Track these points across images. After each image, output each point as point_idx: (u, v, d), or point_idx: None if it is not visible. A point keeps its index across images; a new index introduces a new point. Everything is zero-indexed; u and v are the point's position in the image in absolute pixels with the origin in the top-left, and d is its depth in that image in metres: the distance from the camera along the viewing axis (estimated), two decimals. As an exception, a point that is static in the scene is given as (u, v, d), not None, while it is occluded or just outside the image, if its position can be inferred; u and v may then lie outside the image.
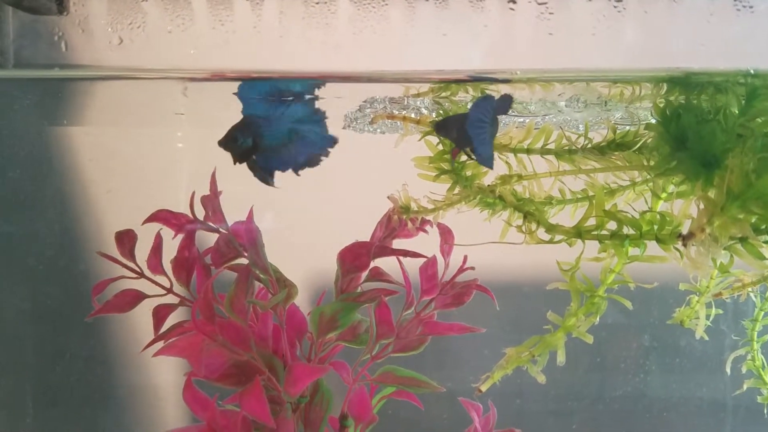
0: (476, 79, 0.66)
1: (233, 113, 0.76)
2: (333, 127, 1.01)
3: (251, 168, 0.77)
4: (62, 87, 0.99)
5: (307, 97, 0.78)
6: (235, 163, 0.76)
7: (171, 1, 0.57)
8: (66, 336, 1.17)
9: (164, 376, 1.20)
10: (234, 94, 0.73)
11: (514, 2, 0.57)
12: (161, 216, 0.77)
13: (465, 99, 0.72)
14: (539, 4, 0.57)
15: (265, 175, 0.78)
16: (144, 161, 1.17)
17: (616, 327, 0.97)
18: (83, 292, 1.15)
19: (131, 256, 0.76)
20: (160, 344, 0.75)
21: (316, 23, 0.59)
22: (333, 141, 0.78)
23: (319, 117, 0.78)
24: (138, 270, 0.76)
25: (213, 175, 0.77)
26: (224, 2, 0.57)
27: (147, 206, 1.11)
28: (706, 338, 0.79)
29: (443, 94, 0.71)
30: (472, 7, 0.60)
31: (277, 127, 0.76)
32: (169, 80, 0.77)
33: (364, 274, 0.81)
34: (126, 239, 0.75)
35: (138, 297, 0.76)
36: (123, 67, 0.72)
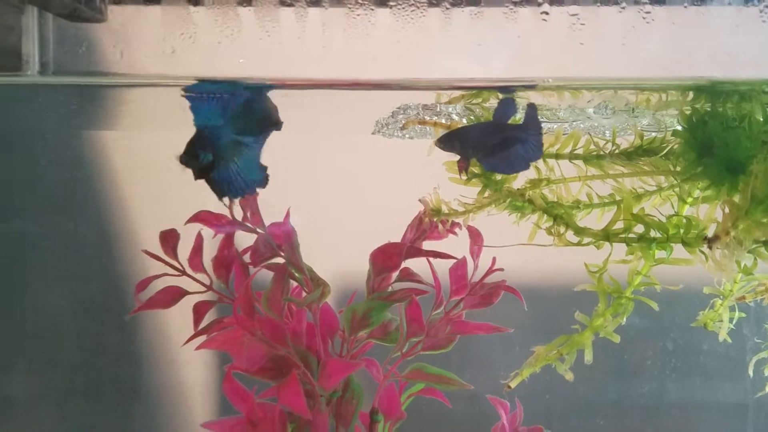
0: (507, 88, 0.68)
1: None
2: (362, 132, 1.04)
3: (209, 183, 0.73)
4: (100, 93, 1.03)
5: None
6: (196, 179, 0.72)
7: (221, 12, 0.60)
8: (101, 333, 1.21)
9: (194, 373, 1.24)
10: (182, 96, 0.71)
11: (547, 13, 0.59)
12: (202, 216, 0.80)
13: (494, 105, 0.74)
14: (571, 15, 0.59)
15: (222, 190, 0.73)
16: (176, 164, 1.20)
17: (641, 328, 0.99)
18: (119, 290, 1.19)
19: (174, 255, 0.79)
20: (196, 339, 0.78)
21: (357, 34, 0.62)
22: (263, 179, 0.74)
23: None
24: (180, 268, 0.79)
25: (252, 179, 0.80)
26: (271, 14, 0.60)
27: (178, 207, 1.15)
28: (729, 341, 0.81)
29: (474, 101, 0.74)
30: (506, 17, 0.63)
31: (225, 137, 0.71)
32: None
33: (395, 274, 0.84)
34: (170, 238, 0.78)
35: (180, 293, 0.80)
36: (159, 75, 0.75)
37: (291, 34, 0.61)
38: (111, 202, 1.19)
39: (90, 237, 1.17)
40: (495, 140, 0.69)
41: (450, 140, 0.72)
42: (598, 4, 0.62)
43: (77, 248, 1.18)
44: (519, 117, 0.72)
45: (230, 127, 0.72)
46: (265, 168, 0.75)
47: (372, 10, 0.61)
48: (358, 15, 0.60)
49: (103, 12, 0.78)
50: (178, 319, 1.18)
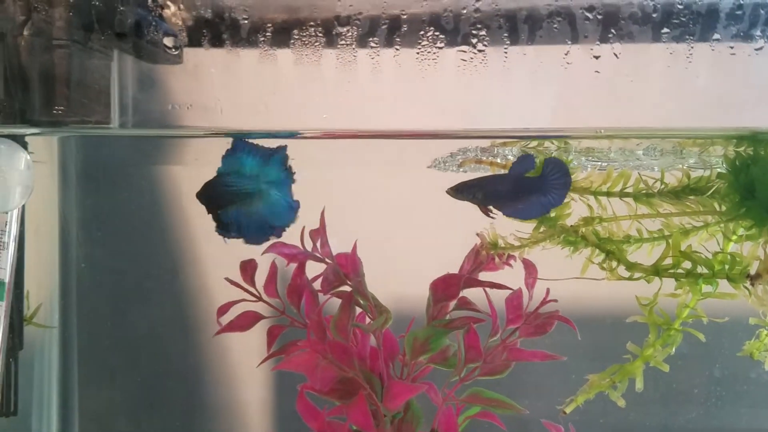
0: (563, 136, 0.74)
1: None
2: (418, 167, 1.11)
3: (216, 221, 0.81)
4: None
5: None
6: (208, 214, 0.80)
7: (301, 64, 0.68)
8: (168, 353, 1.29)
9: (248, 393, 1.30)
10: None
11: (598, 72, 0.65)
12: (277, 247, 0.88)
13: (551, 148, 0.80)
14: (624, 75, 0.65)
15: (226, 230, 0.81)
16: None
17: (690, 358, 1.02)
18: (184, 313, 1.27)
19: (252, 282, 0.86)
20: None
21: (426, 87, 0.69)
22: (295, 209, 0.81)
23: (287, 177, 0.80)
24: (257, 294, 0.87)
25: (322, 213, 0.88)
26: (349, 66, 0.67)
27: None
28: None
29: (531, 144, 0.80)
30: (561, 68, 0.69)
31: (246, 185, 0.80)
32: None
33: (453, 303, 0.90)
34: (249, 267, 0.86)
35: (256, 318, 0.87)
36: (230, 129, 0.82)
37: (364, 85, 0.69)
38: (184, 231, 1.27)
39: (165, 263, 1.25)
40: (512, 190, 0.77)
41: (462, 190, 0.80)
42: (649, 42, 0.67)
43: (153, 273, 1.27)
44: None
45: (257, 178, 0.81)
46: (293, 209, 0.82)
47: (435, 59, 0.68)
48: (427, 65, 0.67)
49: (180, 55, 0.86)
50: (238, 341, 1.26)
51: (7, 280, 0.69)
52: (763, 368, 0.84)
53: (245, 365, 1.29)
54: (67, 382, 1.20)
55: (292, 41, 0.67)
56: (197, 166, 1.27)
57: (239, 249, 1.21)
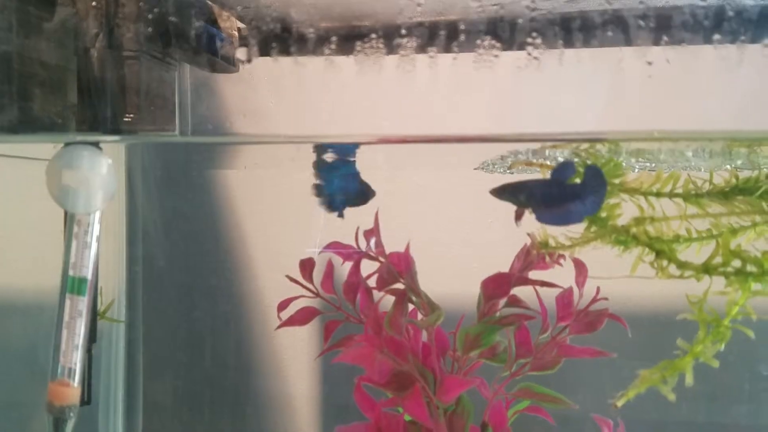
0: (615, 138, 0.76)
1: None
2: (464, 168, 1.14)
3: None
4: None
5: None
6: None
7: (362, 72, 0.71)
8: (225, 347, 1.34)
9: (298, 386, 1.35)
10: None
11: (650, 76, 0.68)
12: (333, 246, 0.92)
13: (601, 150, 0.82)
14: (672, 80, 0.67)
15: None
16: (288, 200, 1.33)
17: (738, 354, 1.03)
18: (240, 310, 1.33)
19: (311, 279, 0.91)
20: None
21: (478, 91, 0.72)
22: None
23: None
24: (315, 290, 0.91)
25: (376, 214, 0.92)
26: (409, 71, 0.71)
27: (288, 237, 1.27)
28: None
29: (582, 146, 0.82)
30: (613, 72, 0.71)
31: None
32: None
33: (503, 301, 0.93)
34: (307, 265, 0.90)
35: (314, 313, 0.91)
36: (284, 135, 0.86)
37: (421, 91, 0.72)
38: (238, 232, 1.32)
39: (222, 260, 1.31)
40: (551, 196, 0.78)
41: (505, 191, 0.81)
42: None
43: (209, 271, 1.32)
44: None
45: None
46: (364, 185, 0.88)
47: (493, 60, 0.71)
48: (481, 69, 0.70)
49: (236, 63, 0.90)
50: (284, 336, 1.30)
51: (89, 277, 0.74)
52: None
53: (296, 359, 1.33)
54: (132, 374, 1.26)
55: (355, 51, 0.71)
56: (252, 170, 1.32)
57: (288, 249, 1.26)
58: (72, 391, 0.77)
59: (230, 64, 0.88)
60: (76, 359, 0.78)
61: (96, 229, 0.73)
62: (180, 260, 1.30)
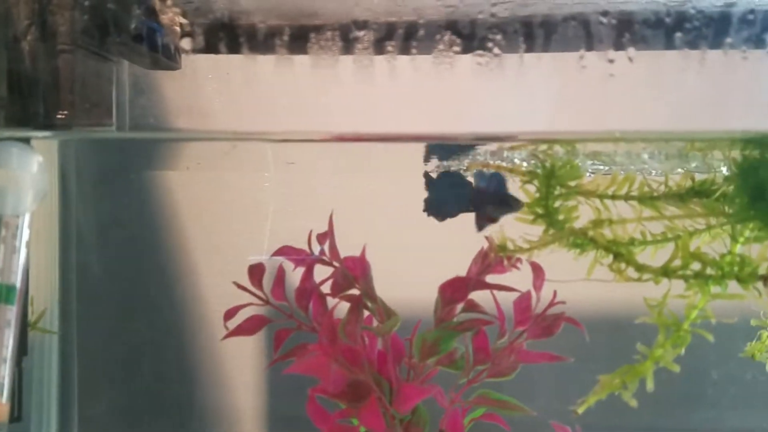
0: (574, 139, 0.75)
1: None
2: (421, 170, 1.12)
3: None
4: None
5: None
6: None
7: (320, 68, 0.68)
8: (166, 358, 1.28)
9: (246, 398, 1.30)
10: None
11: (612, 75, 0.67)
12: (285, 251, 0.88)
13: (559, 152, 0.81)
14: (639, 82, 0.67)
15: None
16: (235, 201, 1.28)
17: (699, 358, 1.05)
18: (181, 319, 1.27)
19: (260, 286, 0.86)
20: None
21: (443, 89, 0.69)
22: None
23: None
24: (265, 298, 0.87)
25: (331, 217, 0.88)
26: (367, 72, 0.68)
27: (239, 241, 1.23)
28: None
29: (541, 147, 0.81)
30: (576, 72, 0.70)
31: None
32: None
33: (460, 306, 0.90)
34: (256, 271, 0.86)
35: (264, 321, 0.87)
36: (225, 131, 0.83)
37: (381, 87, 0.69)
38: (180, 237, 1.27)
39: (164, 267, 1.25)
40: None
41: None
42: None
43: (150, 278, 1.26)
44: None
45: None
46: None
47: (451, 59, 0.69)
48: (443, 68, 0.67)
49: (178, 60, 0.86)
50: (233, 345, 1.25)
51: (18, 284, 0.68)
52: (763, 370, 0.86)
53: (244, 370, 1.29)
54: (66, 389, 1.19)
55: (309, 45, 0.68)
56: (195, 171, 1.27)
57: (234, 255, 1.21)
58: (0, 407, 0.71)
59: (172, 60, 0.84)
60: (4, 373, 0.72)
61: (25, 233, 0.68)
62: (118, 267, 1.23)
